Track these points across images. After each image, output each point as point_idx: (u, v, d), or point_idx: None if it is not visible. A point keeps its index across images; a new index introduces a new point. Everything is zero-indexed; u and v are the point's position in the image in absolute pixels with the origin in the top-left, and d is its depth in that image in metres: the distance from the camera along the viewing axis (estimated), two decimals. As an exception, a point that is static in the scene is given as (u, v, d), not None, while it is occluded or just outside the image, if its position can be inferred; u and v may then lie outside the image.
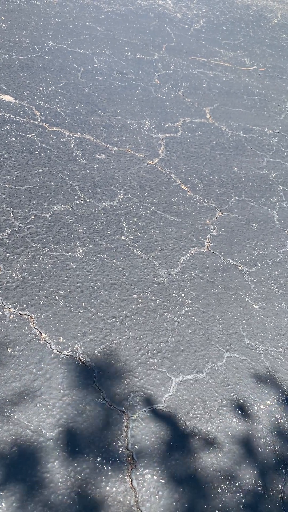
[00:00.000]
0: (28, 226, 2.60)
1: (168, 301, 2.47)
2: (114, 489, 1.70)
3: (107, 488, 1.70)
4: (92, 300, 2.33)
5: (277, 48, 6.53)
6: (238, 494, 1.82)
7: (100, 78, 4.32)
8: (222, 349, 2.33)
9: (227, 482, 1.84)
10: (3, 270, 2.33)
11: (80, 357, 2.07)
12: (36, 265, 2.40)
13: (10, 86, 3.74)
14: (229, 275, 2.76)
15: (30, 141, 3.24)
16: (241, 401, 2.14)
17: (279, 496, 1.87)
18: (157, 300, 2.45)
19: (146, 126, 3.85)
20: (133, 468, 1.77)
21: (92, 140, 3.47)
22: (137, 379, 2.06)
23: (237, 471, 1.89)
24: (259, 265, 2.92)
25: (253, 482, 1.88)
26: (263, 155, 4.05)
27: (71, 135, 3.45)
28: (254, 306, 2.63)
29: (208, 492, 1.79)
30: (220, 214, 3.21)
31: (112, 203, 2.98)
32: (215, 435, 1.97)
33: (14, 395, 1.86)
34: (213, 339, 2.36)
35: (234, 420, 2.05)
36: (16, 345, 2.03)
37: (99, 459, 1.77)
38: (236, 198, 3.42)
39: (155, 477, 1.77)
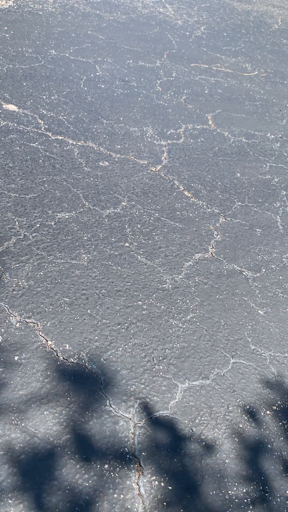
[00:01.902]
0: (33, 234, 2.62)
1: (173, 307, 2.48)
2: (121, 496, 1.70)
3: (115, 495, 1.70)
4: (98, 307, 2.35)
5: (278, 54, 6.56)
6: (245, 501, 1.82)
7: (102, 86, 4.36)
8: (228, 355, 2.33)
9: (235, 489, 1.84)
10: (9, 278, 2.35)
11: (86, 364, 2.08)
12: (41, 273, 2.42)
13: (14, 95, 3.78)
14: (234, 280, 2.77)
15: (34, 150, 3.27)
16: (248, 407, 2.14)
17: (287, 502, 1.86)
18: (162, 307, 2.46)
19: (148, 133, 3.88)
20: (141, 475, 1.78)
21: (96, 148, 3.50)
22: (143, 385, 2.07)
23: (244, 477, 1.89)
24: (264, 270, 2.92)
25: (261, 488, 1.88)
26: (265, 160, 4.06)
27: (74, 143, 3.48)
28: (259, 311, 2.63)
29: (215, 498, 1.79)
30: (224, 220, 3.22)
31: (116, 210, 3.00)
32: (222, 441, 1.97)
33: (21, 402, 1.87)
34: (218, 345, 2.36)
35: (241, 426, 2.05)
36: (22, 353, 2.04)
37: (106, 466, 1.77)
38: (240, 203, 3.44)
39: (162, 484, 1.78)
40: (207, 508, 1.76)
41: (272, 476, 1.93)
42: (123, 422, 1.92)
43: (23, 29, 4.93)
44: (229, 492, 1.83)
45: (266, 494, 1.86)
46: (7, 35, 4.71)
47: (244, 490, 1.85)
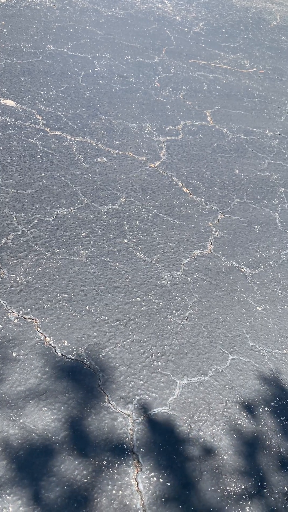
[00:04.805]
0: (32, 230, 2.61)
1: (172, 303, 2.47)
2: (120, 492, 1.70)
3: (114, 492, 1.70)
4: (96, 303, 2.34)
5: (277, 50, 6.54)
6: (244, 497, 1.82)
7: (101, 81, 4.34)
8: (226, 352, 2.33)
9: (233, 485, 1.84)
10: (7, 274, 2.34)
11: (85, 360, 2.07)
12: (39, 269, 2.41)
13: (12, 91, 3.76)
14: (232, 277, 2.77)
15: (32, 145, 3.25)
16: (246, 403, 2.14)
17: (285, 498, 1.87)
18: (161, 303, 2.46)
19: (147, 129, 3.86)
20: (139, 471, 1.78)
21: (94, 144, 3.48)
22: (141, 382, 2.06)
23: (243, 473, 1.90)
24: (262, 267, 2.92)
25: (259, 484, 1.88)
26: (264, 157, 4.06)
27: (72, 139, 3.46)
28: (258, 308, 2.63)
29: (214, 495, 1.79)
30: (222, 217, 3.22)
31: (114, 206, 2.99)
32: (220, 437, 1.97)
33: (19, 399, 1.86)
34: (217, 342, 2.36)
35: (239, 422, 2.06)
36: (20, 349, 2.04)
37: (105, 462, 1.77)
38: (238, 200, 3.43)
39: (161, 480, 1.78)
40: (206, 504, 1.76)
41: (270, 472, 1.94)
42: (122, 418, 1.91)
43: (21, 24, 4.90)
44: (227, 488, 1.83)
45: (264, 490, 1.87)
46: (4, 30, 4.68)
47: (242, 486, 1.85)
